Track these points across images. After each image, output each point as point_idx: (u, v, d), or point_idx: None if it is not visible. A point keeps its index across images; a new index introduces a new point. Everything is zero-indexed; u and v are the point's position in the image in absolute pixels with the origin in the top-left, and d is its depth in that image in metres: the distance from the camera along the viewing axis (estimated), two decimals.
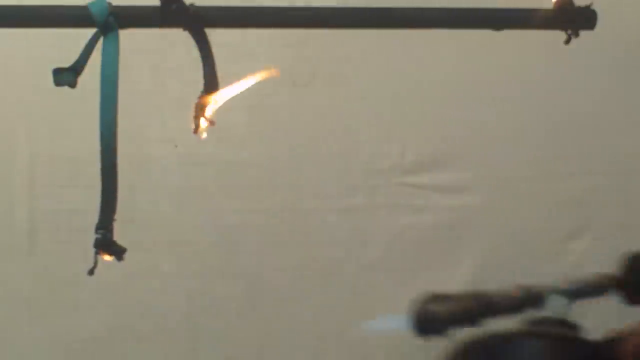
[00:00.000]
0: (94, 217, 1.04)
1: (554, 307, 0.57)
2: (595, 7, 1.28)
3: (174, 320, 1.78)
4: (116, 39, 1.12)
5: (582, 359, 0.55)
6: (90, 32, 1.12)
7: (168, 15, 1.10)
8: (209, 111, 1.06)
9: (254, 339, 1.83)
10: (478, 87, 1.84)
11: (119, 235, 1.04)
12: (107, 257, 1.03)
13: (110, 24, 1.11)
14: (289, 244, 1.83)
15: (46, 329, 1.69)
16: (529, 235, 1.97)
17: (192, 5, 1.12)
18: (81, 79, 1.13)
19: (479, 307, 0.61)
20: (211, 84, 1.08)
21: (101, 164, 1.07)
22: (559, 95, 1.96)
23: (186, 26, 1.10)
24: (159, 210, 1.79)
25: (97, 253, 1.03)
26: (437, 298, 0.62)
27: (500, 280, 1.96)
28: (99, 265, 1.02)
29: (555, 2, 1.20)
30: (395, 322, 0.61)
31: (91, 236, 1.03)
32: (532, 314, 0.62)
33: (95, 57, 1.13)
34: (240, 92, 1.06)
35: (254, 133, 1.83)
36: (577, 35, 1.28)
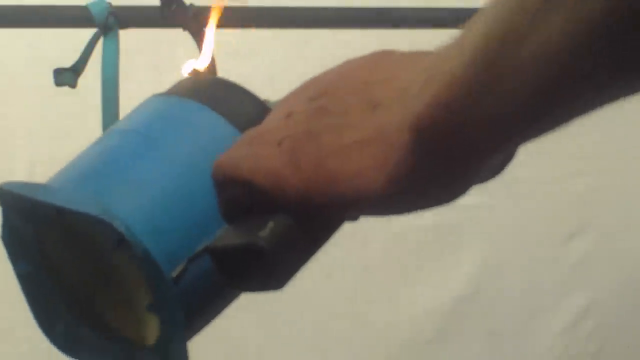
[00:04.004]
0: None
1: None
2: None
3: None
4: (116, 39, 1.12)
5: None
6: (91, 32, 1.12)
7: (168, 15, 1.11)
8: None
9: (254, 338, 1.83)
10: None
11: None
12: None
13: (110, 24, 1.11)
14: None
15: None
16: (529, 235, 1.98)
17: (192, 5, 1.12)
18: (82, 79, 1.13)
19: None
20: None
21: None
22: None
23: (186, 26, 1.10)
24: None
25: None
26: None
27: (501, 280, 1.96)
28: None
29: None
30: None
31: None
32: None
33: (96, 57, 1.13)
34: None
35: None
36: None
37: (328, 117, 0.50)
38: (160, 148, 0.62)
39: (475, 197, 2.18)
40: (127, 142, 0.63)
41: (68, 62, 1.12)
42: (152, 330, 0.61)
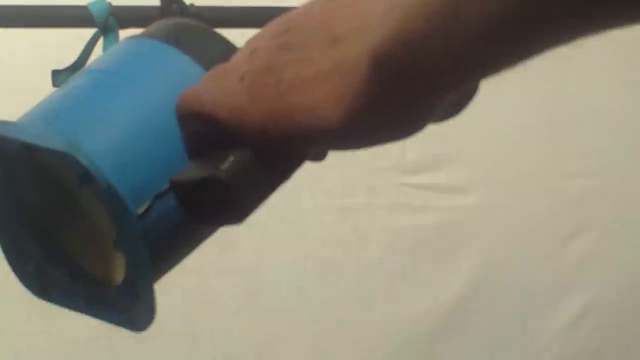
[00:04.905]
0: None
1: None
2: None
3: (173, 320, 1.78)
4: (116, 39, 1.12)
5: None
6: (91, 32, 1.12)
7: (168, 15, 1.11)
8: None
9: (254, 338, 1.83)
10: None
11: None
12: None
13: (110, 24, 1.11)
14: (288, 244, 1.83)
15: (46, 329, 1.69)
16: (529, 235, 1.98)
17: (192, 5, 1.12)
18: None
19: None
20: None
21: None
22: (559, 95, 1.96)
23: None
24: None
25: None
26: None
27: (501, 280, 1.96)
28: None
29: None
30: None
31: None
32: None
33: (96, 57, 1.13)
34: None
35: None
36: None
37: (289, 53, 0.51)
38: (128, 86, 0.63)
39: (475, 197, 2.19)
40: (95, 81, 0.64)
41: (68, 62, 1.12)
42: (119, 269, 0.61)
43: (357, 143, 0.50)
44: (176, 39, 0.64)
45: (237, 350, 1.83)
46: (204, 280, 1.79)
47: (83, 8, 1.11)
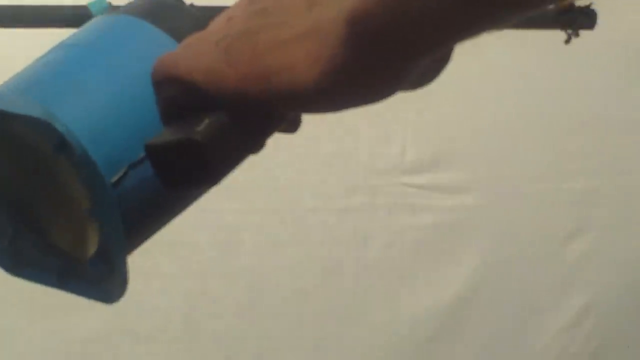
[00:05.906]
0: None
1: None
2: (595, 7, 1.28)
3: (174, 320, 1.78)
4: None
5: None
6: None
7: None
8: None
9: (254, 339, 1.83)
10: (478, 87, 1.84)
11: None
12: None
13: None
14: (288, 244, 1.83)
15: (46, 329, 1.69)
16: (529, 235, 1.98)
17: (192, 5, 1.12)
18: None
19: None
20: None
21: None
22: (559, 95, 1.96)
23: None
24: None
25: None
26: None
27: (501, 280, 1.96)
28: None
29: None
30: None
31: None
32: None
33: None
34: None
35: None
36: (577, 35, 1.28)
37: (266, 17, 0.51)
38: (102, 57, 0.63)
39: (475, 197, 2.18)
40: (69, 53, 0.65)
41: None
42: (92, 242, 0.61)
43: (332, 105, 0.51)
44: (150, 14, 0.65)
45: (238, 351, 1.83)
46: (204, 281, 1.79)
47: (83, 8, 1.11)
